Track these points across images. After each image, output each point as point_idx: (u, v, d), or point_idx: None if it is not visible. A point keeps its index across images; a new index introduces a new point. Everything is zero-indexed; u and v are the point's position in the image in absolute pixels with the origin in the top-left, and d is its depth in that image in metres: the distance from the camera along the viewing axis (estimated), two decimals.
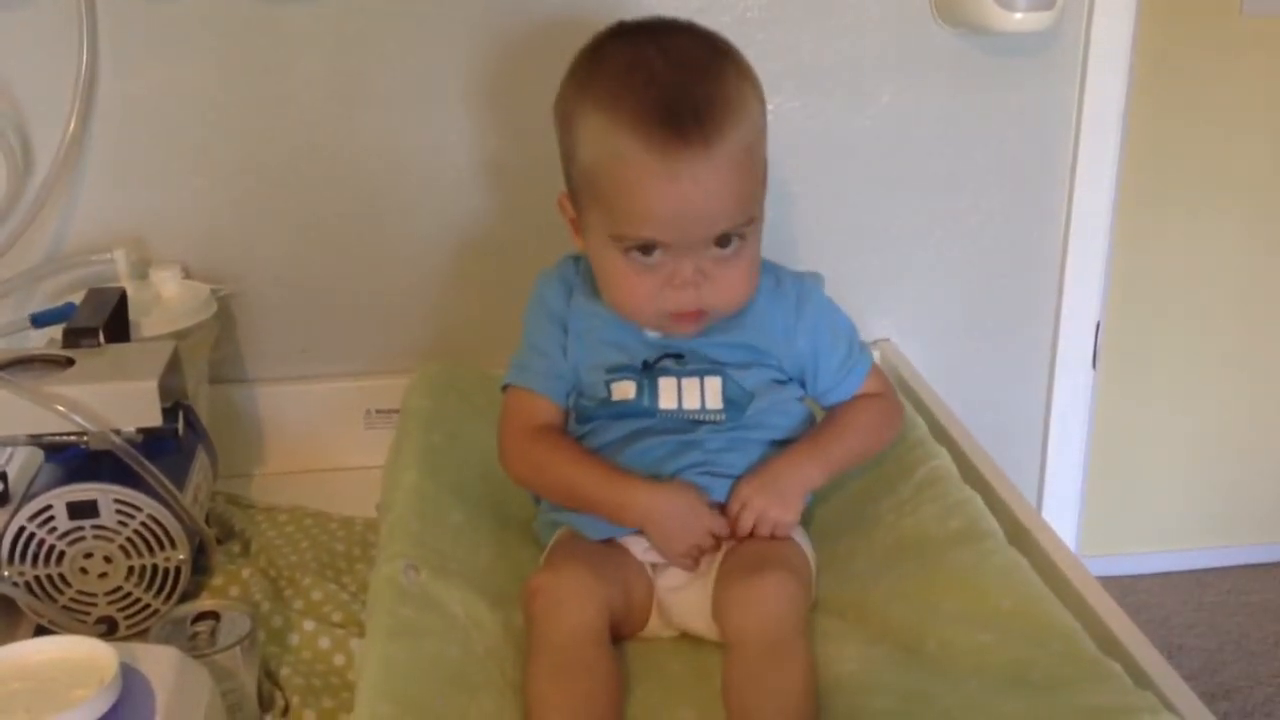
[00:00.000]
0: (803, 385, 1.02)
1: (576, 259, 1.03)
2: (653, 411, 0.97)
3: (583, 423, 1.00)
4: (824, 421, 1.03)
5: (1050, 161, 1.42)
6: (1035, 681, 0.81)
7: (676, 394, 0.97)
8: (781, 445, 1.00)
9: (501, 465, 1.01)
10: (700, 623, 0.94)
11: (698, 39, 0.93)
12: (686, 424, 0.97)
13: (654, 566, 0.96)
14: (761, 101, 0.93)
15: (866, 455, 1.04)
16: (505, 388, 1.02)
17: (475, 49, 1.29)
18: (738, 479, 0.96)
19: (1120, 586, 1.85)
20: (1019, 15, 1.27)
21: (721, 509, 0.95)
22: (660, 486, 0.94)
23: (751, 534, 0.94)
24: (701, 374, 0.98)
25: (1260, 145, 1.62)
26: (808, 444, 0.99)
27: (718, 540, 0.94)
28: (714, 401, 0.97)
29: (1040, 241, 1.46)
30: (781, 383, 1.00)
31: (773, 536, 0.95)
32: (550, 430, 1.00)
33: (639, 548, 0.96)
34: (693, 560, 0.94)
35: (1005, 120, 1.39)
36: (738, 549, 0.94)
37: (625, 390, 0.98)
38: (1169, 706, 0.80)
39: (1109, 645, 0.87)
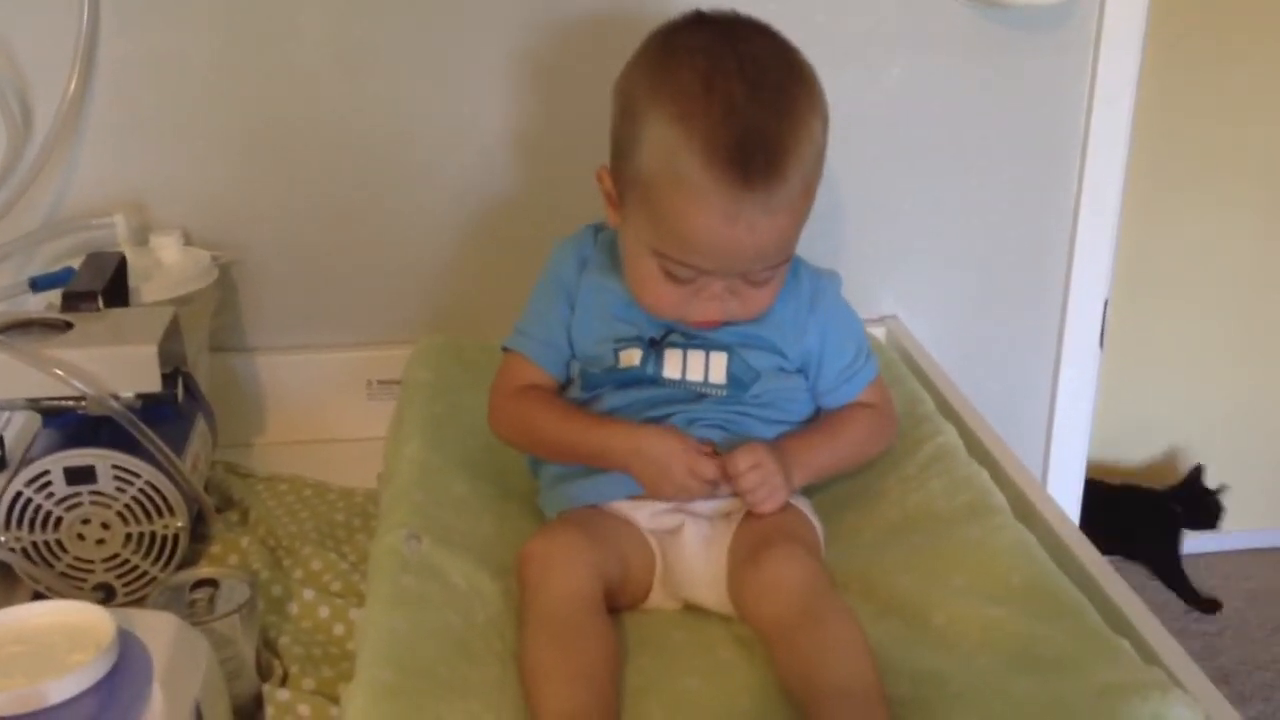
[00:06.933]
0: (806, 379, 1.02)
1: (597, 230, 1.02)
2: (656, 379, 0.97)
3: (588, 389, 1.00)
4: (816, 425, 1.02)
5: (1061, 138, 1.40)
6: (1045, 657, 0.81)
7: (681, 364, 0.97)
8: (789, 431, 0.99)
9: (489, 425, 1.02)
10: (709, 595, 0.93)
11: (774, 53, 0.91)
12: (691, 395, 0.97)
13: (658, 536, 0.95)
14: (824, 121, 0.91)
15: (850, 466, 1.04)
16: (505, 350, 1.03)
17: (483, 16, 1.27)
18: (751, 439, 0.94)
19: (1119, 571, 1.85)
20: None
21: (716, 455, 0.94)
22: (643, 427, 0.94)
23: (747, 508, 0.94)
24: (708, 348, 0.97)
25: (1272, 125, 1.61)
26: (799, 441, 0.98)
27: (707, 483, 0.93)
28: (718, 376, 0.97)
29: (1050, 219, 1.44)
30: (788, 371, 1.00)
31: (758, 512, 0.94)
32: (537, 388, 1.01)
33: (643, 515, 0.95)
34: (685, 497, 0.93)
35: (1017, 95, 1.38)
36: (743, 530, 0.93)
37: (631, 357, 0.98)
38: (1177, 683, 0.79)
39: (1116, 622, 0.87)
